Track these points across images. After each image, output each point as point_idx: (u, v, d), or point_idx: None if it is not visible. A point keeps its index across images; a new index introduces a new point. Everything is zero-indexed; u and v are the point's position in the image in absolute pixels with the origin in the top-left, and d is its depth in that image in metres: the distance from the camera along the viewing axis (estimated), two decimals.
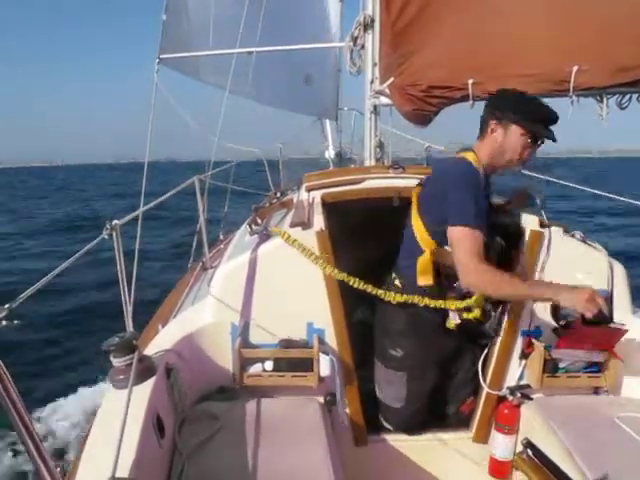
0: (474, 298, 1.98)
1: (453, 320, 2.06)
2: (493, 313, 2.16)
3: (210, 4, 4.74)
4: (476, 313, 2.02)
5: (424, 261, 2.00)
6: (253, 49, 3.91)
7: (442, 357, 2.26)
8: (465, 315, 2.03)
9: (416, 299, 2.00)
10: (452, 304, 2.02)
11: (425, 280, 2.00)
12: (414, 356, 2.20)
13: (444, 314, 2.07)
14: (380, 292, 2.04)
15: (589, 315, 1.72)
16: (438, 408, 2.43)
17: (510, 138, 1.97)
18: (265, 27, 4.32)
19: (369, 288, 2.03)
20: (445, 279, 2.02)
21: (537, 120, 1.96)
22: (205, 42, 4.46)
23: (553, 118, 1.98)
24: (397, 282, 2.14)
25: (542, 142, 2.00)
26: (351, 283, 2.02)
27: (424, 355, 2.21)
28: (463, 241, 1.82)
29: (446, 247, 1.95)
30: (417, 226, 2.06)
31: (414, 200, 2.11)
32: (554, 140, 1.99)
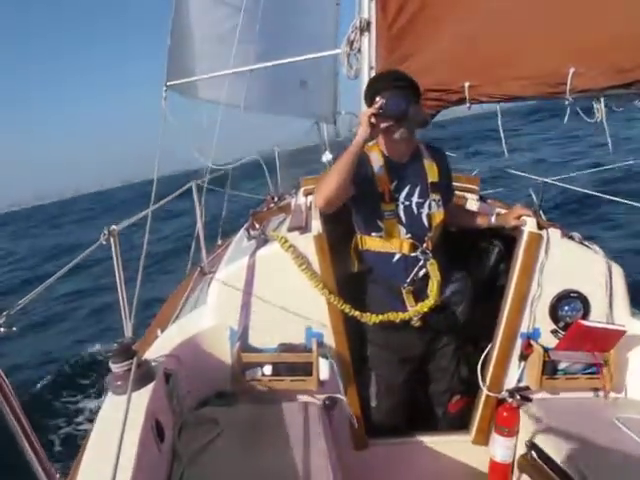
0: (431, 295, 2.07)
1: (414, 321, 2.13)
2: (458, 308, 2.21)
3: (206, 22, 4.70)
4: (428, 303, 2.07)
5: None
6: (252, 67, 3.89)
7: (411, 355, 2.28)
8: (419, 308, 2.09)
9: (391, 316, 2.07)
10: (421, 308, 2.07)
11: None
12: (379, 354, 2.28)
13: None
14: (356, 313, 2.07)
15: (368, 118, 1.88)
16: (426, 412, 2.45)
17: None
18: (262, 37, 4.31)
19: (347, 309, 2.06)
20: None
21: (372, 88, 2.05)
22: (205, 61, 4.42)
23: (377, 78, 2.10)
24: None
25: (392, 108, 1.92)
26: (331, 301, 2.05)
27: (389, 353, 2.26)
28: None
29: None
30: None
31: None
32: (395, 107, 1.91)
